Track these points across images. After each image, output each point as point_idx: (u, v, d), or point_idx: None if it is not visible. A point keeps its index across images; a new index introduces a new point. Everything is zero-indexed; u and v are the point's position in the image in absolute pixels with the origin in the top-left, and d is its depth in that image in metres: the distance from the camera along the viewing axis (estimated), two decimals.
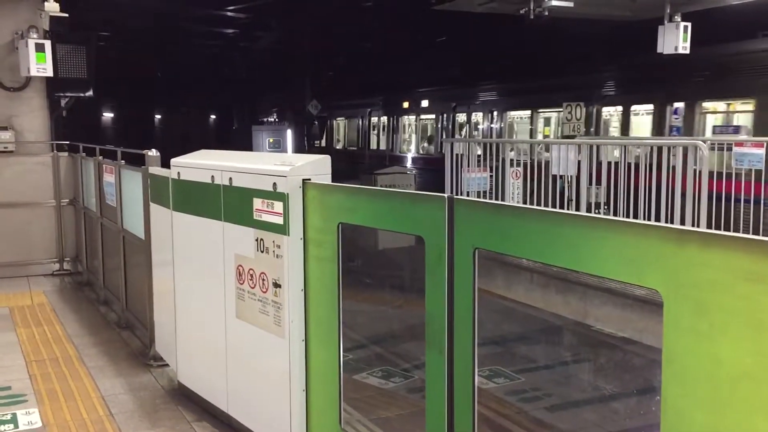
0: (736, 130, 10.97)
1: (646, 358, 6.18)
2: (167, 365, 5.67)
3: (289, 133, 26.86)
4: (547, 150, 10.09)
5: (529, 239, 2.55)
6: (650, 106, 12.45)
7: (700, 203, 7.73)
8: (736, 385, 1.90)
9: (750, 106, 10.98)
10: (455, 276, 2.78)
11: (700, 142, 7.88)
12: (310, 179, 3.75)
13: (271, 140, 25.21)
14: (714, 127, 11.48)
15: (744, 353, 1.87)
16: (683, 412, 2.03)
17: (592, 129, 13.65)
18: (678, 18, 11.16)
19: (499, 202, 8.91)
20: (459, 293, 2.77)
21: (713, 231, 1.99)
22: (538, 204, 9.48)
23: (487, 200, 8.28)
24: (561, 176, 9.63)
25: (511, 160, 10.18)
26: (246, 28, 22.88)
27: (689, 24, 11.15)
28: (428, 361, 2.95)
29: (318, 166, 3.83)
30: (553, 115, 15.23)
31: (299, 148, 25.86)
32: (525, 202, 9.94)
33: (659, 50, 11.35)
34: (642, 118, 12.83)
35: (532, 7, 10.73)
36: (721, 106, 11.56)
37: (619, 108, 13.24)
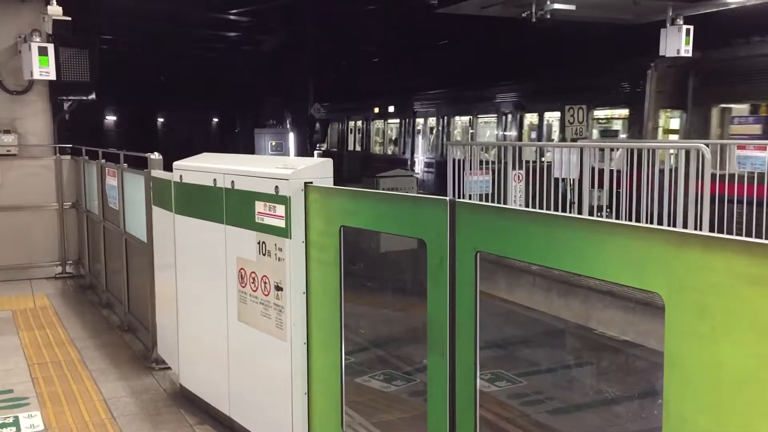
0: (615, 133, 13.50)
1: (648, 361, 6.17)
2: (169, 368, 5.68)
3: (291, 136, 26.88)
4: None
5: (530, 242, 2.55)
6: (557, 113, 14.26)
7: (702, 206, 7.73)
8: (739, 389, 1.89)
9: (625, 114, 13.31)
10: (457, 279, 2.78)
11: (702, 146, 7.88)
12: (312, 182, 3.75)
13: (273, 143, 25.25)
14: (600, 131, 13.96)
15: (746, 356, 1.87)
16: (685, 416, 2.03)
17: (515, 132, 16.16)
18: (680, 21, 11.18)
19: (501, 205, 8.91)
20: (461, 296, 2.77)
21: (715, 234, 1.99)
22: (540, 207, 9.48)
23: (489, 203, 8.28)
24: (563, 179, 9.64)
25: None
26: (248, 32, 22.93)
27: (691, 27, 11.17)
28: (430, 364, 2.95)
29: (320, 170, 3.84)
30: (489, 119, 17.61)
31: (302, 152, 25.94)
32: (527, 205, 9.95)
33: (661, 53, 11.37)
34: (553, 123, 15.09)
35: (534, 11, 10.74)
36: (606, 113, 14.02)
37: (536, 114, 15.69)
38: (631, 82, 12.72)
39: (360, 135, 24.39)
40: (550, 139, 14.92)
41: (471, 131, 18.17)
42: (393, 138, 22.31)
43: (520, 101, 16.06)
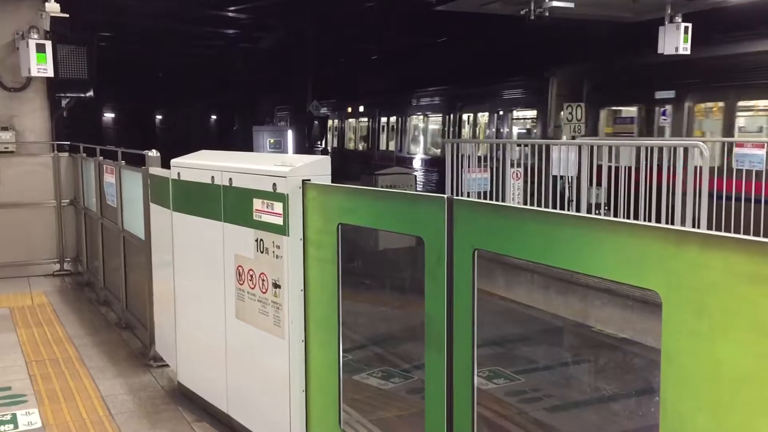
0: (530, 130, 16.17)
1: (646, 359, 6.18)
2: (167, 365, 5.67)
3: (289, 133, 26.87)
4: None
5: (528, 240, 2.55)
6: (486, 114, 17.60)
7: (700, 204, 7.73)
8: (737, 388, 1.89)
9: (534, 114, 16.10)
10: (455, 277, 2.78)
11: (701, 143, 7.88)
12: (309, 180, 3.75)
13: (271, 141, 25.20)
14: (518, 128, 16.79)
15: (745, 355, 1.87)
16: (683, 414, 2.03)
17: (456, 129, 18.73)
18: (678, 19, 11.16)
19: (499, 202, 8.92)
20: (458, 294, 2.77)
21: (713, 232, 1.98)
22: (539, 205, 9.49)
23: (487, 201, 8.28)
24: (561, 177, 9.63)
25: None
26: (247, 29, 22.91)
27: (690, 24, 11.16)
28: (428, 362, 2.95)
29: (318, 167, 3.83)
30: (436, 118, 20.11)
31: (300, 149, 25.96)
32: (525, 203, 9.96)
33: (660, 51, 11.36)
34: (483, 121, 17.89)
35: (532, 8, 10.73)
36: (520, 114, 16.77)
37: (471, 114, 18.26)
38: (538, 88, 15.14)
39: (336, 132, 26.61)
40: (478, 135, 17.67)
41: (422, 127, 21.04)
42: (363, 135, 24.57)
43: (459, 103, 18.75)
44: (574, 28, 13.29)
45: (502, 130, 16.64)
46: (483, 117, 17.77)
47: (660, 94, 12.26)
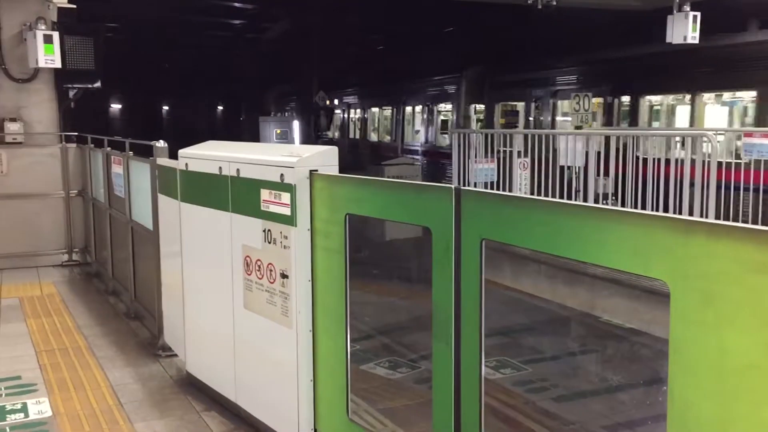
0: (447, 122, 19.05)
1: (653, 349, 6.17)
2: (176, 355, 5.71)
3: (296, 124, 26.91)
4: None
5: (536, 230, 2.55)
6: (421, 107, 20.78)
7: (708, 193, 7.71)
8: (743, 377, 1.90)
9: (450, 108, 19.16)
10: (462, 267, 2.79)
11: (709, 133, 7.85)
12: (317, 170, 3.75)
13: (278, 131, 25.23)
14: (441, 120, 19.62)
15: (751, 344, 1.87)
16: (690, 403, 2.03)
17: (401, 117, 21.81)
18: (687, 8, 11.09)
19: (506, 192, 8.91)
20: (466, 284, 2.78)
21: (720, 222, 1.98)
22: (546, 195, 9.47)
23: (494, 191, 8.27)
24: (569, 167, 9.61)
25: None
26: (253, 19, 22.89)
27: (698, 13, 11.08)
28: (435, 352, 2.96)
29: (325, 157, 3.84)
30: (387, 110, 23.22)
31: (307, 140, 26.02)
32: (532, 193, 9.95)
33: (668, 40, 11.30)
34: (420, 114, 21.03)
35: None
36: (443, 107, 19.62)
37: (419, 107, 21.09)
38: (454, 87, 18.54)
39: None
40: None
41: (378, 117, 24.09)
42: (338, 125, 27.63)
43: (402, 97, 21.68)
44: (482, 34, 16.49)
45: (430, 119, 20.13)
46: (418, 108, 21.14)
47: (535, 93, 15.77)
